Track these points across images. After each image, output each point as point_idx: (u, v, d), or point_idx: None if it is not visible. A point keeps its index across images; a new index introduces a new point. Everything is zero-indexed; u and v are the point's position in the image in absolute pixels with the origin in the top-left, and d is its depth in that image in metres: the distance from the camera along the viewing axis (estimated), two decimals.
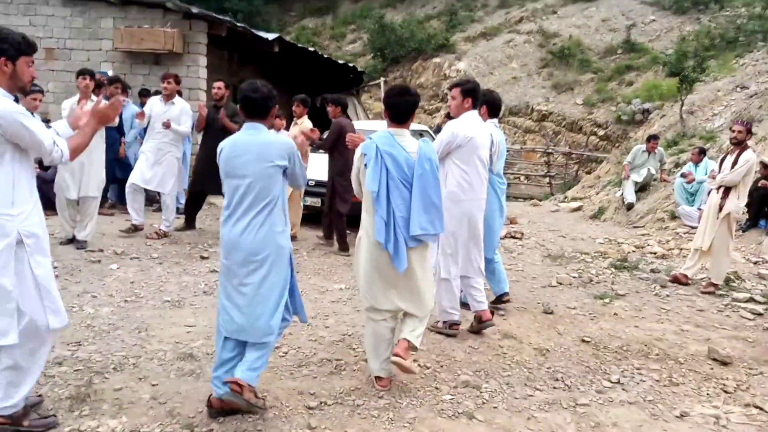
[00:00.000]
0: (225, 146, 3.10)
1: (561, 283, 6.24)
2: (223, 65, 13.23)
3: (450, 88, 4.58)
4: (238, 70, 13.88)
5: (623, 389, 3.79)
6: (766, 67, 14.49)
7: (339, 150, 6.92)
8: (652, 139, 10.82)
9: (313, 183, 7.22)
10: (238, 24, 11.29)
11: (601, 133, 17.35)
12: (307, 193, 7.85)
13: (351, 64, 17.94)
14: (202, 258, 6.37)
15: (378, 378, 3.54)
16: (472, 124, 4.26)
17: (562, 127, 18.39)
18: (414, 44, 21.08)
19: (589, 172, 15.68)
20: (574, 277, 6.47)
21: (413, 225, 3.31)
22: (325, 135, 7.36)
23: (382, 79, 20.44)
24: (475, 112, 4.36)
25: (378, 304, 3.48)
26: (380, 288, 3.46)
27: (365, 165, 3.39)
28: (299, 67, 15.39)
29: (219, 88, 7.35)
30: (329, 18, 26.45)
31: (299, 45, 14.20)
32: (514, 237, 8.41)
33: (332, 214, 7.17)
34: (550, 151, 17.03)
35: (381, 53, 21.44)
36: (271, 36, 11.85)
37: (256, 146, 3.02)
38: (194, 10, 10.11)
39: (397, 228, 3.32)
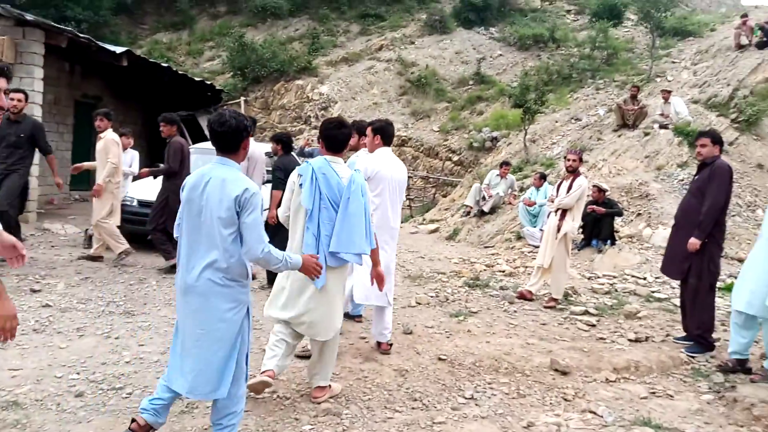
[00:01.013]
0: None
1: (420, 303, 6.42)
2: (63, 78, 12.17)
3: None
4: (80, 84, 12.84)
5: (476, 404, 3.95)
6: (595, 101, 16.32)
7: (180, 170, 6.79)
8: (504, 165, 11.68)
9: (136, 203, 7.09)
10: (81, 35, 10.46)
11: (455, 158, 18.33)
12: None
13: (209, 82, 17.36)
14: (33, 291, 5.71)
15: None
16: (380, 159, 4.67)
17: (421, 153, 19.19)
18: (276, 65, 20.91)
19: (445, 196, 16.48)
20: (431, 297, 6.70)
21: (333, 242, 3.54)
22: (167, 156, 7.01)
23: (243, 98, 20.01)
24: (387, 149, 4.78)
25: (277, 314, 3.67)
26: (287, 300, 3.64)
27: (300, 185, 3.60)
28: (152, 82, 14.58)
29: (18, 100, 6.63)
30: (185, 33, 25.43)
31: (151, 60, 13.46)
32: None
33: (158, 232, 6.90)
34: (409, 175, 17.64)
35: (241, 72, 20.99)
36: (118, 49, 11.12)
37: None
38: (28, 17, 9.21)
39: (322, 245, 3.54)
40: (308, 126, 19.11)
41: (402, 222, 14.23)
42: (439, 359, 4.73)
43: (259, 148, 7.11)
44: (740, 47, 15.71)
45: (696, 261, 5.21)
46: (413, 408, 3.83)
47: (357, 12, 25.81)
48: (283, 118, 20.67)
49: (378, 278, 3.93)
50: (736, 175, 10.97)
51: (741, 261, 8.80)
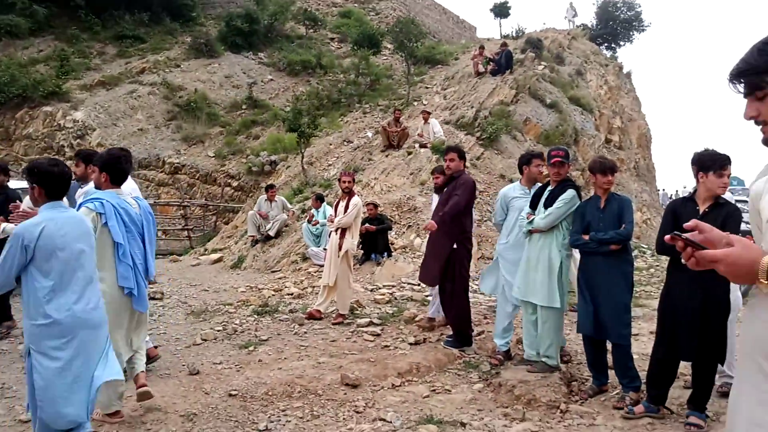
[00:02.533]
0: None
1: (206, 340, 6.13)
2: None
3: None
4: None
5: None
6: (363, 124, 17.37)
7: None
8: (270, 188, 11.71)
9: None
10: None
11: (235, 184, 18.00)
12: None
13: None
14: None
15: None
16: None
17: (197, 179, 18.45)
18: (17, 90, 18.39)
19: (227, 223, 16.05)
20: (218, 331, 6.44)
21: (151, 269, 4.09)
22: None
23: None
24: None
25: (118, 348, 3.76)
26: (118, 334, 3.86)
27: (105, 224, 3.76)
28: None
29: None
30: None
31: None
32: (153, 298, 7.94)
33: None
34: (186, 204, 16.84)
35: None
36: None
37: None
38: None
39: (139, 275, 3.93)
40: (62, 156, 17.10)
41: (181, 254, 13.52)
42: (230, 395, 4.55)
43: None
44: (478, 74, 18.11)
45: (449, 268, 5.68)
46: None
47: (112, 33, 24.00)
48: (29, 149, 18.26)
49: None
50: (484, 185, 12.59)
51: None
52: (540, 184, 5.31)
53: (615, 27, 28.85)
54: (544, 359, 4.99)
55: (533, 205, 5.12)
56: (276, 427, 4.01)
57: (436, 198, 6.58)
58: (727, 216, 3.76)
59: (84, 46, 22.93)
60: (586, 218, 4.61)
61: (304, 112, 14.35)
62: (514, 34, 27.37)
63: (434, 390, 4.82)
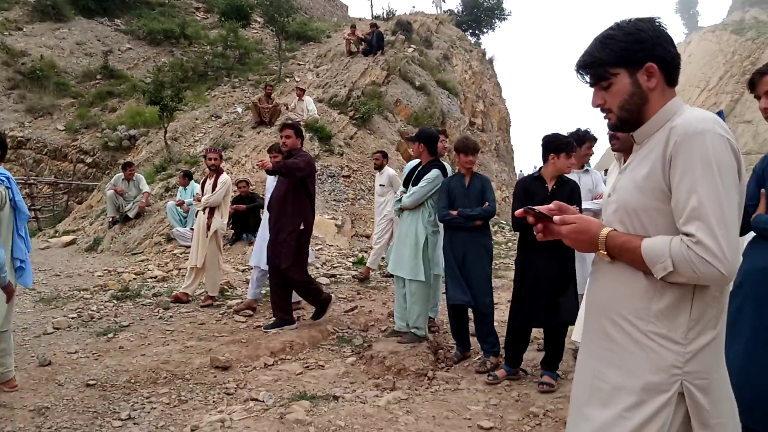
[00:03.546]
0: None
1: (58, 328, 5.64)
2: None
3: None
4: None
5: (134, 423, 3.69)
6: (233, 99, 16.74)
7: None
8: (128, 166, 10.88)
9: None
10: None
11: (89, 160, 16.58)
12: None
13: None
14: None
15: None
16: None
17: (44, 155, 16.74)
18: None
19: (80, 202, 14.78)
20: (72, 318, 5.96)
21: None
22: None
23: None
24: None
25: None
26: None
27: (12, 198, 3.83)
28: None
29: None
30: None
31: None
32: None
33: None
34: (32, 182, 15.24)
35: None
36: None
37: None
38: None
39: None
40: None
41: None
42: (88, 385, 4.24)
43: None
44: (351, 53, 18.15)
45: (285, 249, 5.49)
46: None
47: None
48: None
49: None
50: (357, 164, 12.73)
51: (368, 237, 10.27)
52: (415, 162, 5.49)
53: (479, 14, 30.16)
54: (413, 330, 5.19)
55: (405, 184, 5.28)
56: (140, 415, 3.80)
57: (272, 179, 6.29)
58: (571, 192, 4.15)
59: None
60: (451, 195, 4.82)
61: (166, 84, 13.45)
62: (384, 16, 27.66)
63: (307, 366, 4.83)
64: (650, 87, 1.58)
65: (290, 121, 6.25)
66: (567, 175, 4.29)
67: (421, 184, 5.06)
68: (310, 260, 6.17)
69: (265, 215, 6.22)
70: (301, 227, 5.58)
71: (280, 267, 5.56)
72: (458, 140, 5.03)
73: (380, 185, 8.09)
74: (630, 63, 1.58)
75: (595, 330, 1.66)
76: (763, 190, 2.43)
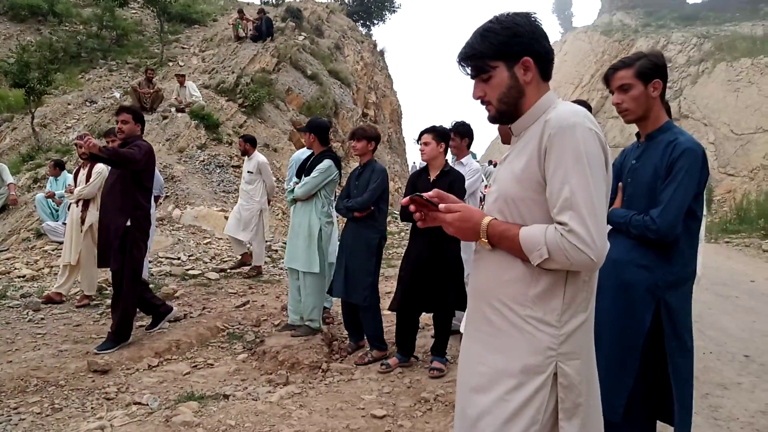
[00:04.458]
0: None
1: None
2: None
3: None
4: None
5: None
6: (109, 83, 15.63)
7: None
8: None
9: None
10: None
11: None
12: None
13: None
14: None
15: None
16: None
17: None
18: None
19: None
20: None
21: None
22: None
23: None
24: None
25: None
26: None
27: None
28: None
29: None
30: None
31: None
32: None
33: None
34: None
35: None
36: None
37: None
38: None
39: None
40: None
41: None
42: None
43: None
44: (238, 38, 17.54)
45: (123, 248, 4.82)
46: None
47: None
48: None
49: None
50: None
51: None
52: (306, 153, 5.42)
53: (369, 5, 30.30)
54: (307, 323, 5.16)
55: (298, 175, 5.21)
56: (6, 428, 3.47)
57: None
58: (452, 181, 4.21)
59: None
60: (349, 185, 4.81)
61: (33, 66, 12.27)
62: (273, 2, 27.02)
63: (195, 366, 4.66)
64: (526, 81, 1.64)
65: (127, 105, 5.46)
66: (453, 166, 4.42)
67: (314, 174, 5.02)
68: (144, 273, 5.55)
69: None
70: (128, 224, 4.81)
71: (112, 269, 4.90)
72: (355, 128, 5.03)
73: (248, 172, 7.67)
74: (508, 56, 1.62)
75: (477, 315, 1.72)
76: (620, 184, 2.62)
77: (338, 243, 5.08)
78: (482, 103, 1.71)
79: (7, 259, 8.29)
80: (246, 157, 7.86)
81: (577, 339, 1.59)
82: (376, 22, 30.94)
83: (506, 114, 1.68)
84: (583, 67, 35.27)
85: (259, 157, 7.77)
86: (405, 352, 4.56)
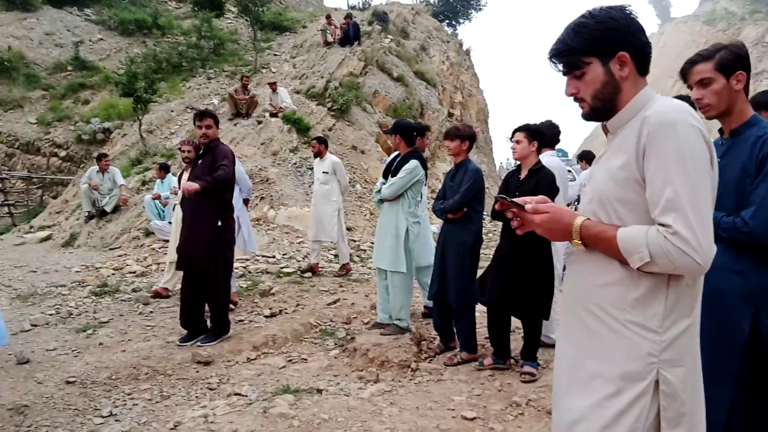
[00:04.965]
0: None
1: (36, 325, 5.56)
2: None
3: None
4: None
5: (116, 420, 3.66)
6: (208, 91, 16.53)
7: None
8: (102, 157, 10.72)
9: None
10: None
11: (62, 153, 16.27)
12: None
13: None
14: None
15: None
16: None
17: (17, 149, 16.37)
18: None
19: (55, 197, 14.51)
20: (51, 315, 5.87)
21: None
22: None
23: None
24: None
25: None
26: None
27: None
28: None
29: None
30: None
31: None
32: None
33: None
34: (4, 176, 14.92)
35: None
36: None
37: None
38: None
39: None
40: None
41: (2, 233, 12.01)
42: (68, 383, 4.19)
43: None
44: (327, 44, 18.01)
45: (214, 250, 5.03)
46: None
47: None
48: None
49: None
50: (337, 156, 12.67)
51: (349, 230, 10.27)
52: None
53: (455, 5, 30.18)
54: (396, 322, 5.22)
55: (385, 176, 5.30)
56: (122, 412, 3.78)
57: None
58: (538, 180, 4.10)
59: None
60: (444, 186, 4.81)
61: (140, 76, 13.23)
62: (360, 6, 27.52)
63: (291, 360, 4.84)
64: (622, 76, 1.58)
65: (205, 108, 5.55)
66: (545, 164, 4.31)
67: (400, 175, 5.08)
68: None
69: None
70: (219, 224, 5.05)
71: (192, 270, 5.08)
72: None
73: (323, 173, 7.72)
74: (602, 52, 1.58)
75: (572, 319, 1.68)
76: None
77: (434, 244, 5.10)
78: (575, 100, 1.67)
79: (120, 256, 8.98)
80: (318, 159, 7.88)
81: (680, 345, 1.52)
82: (461, 21, 30.77)
83: (601, 111, 1.64)
84: (683, 59, 33.26)
85: (332, 157, 7.91)
86: (501, 354, 4.47)
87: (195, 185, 4.79)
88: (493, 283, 4.22)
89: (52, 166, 16.22)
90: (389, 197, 5.14)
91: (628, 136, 1.54)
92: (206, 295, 5.14)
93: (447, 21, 29.92)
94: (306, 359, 4.87)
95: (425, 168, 5.21)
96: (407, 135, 5.22)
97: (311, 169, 11.94)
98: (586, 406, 1.57)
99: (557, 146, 5.11)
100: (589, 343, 1.61)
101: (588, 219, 1.59)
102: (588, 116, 1.68)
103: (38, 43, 19.47)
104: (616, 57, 1.57)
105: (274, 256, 8.51)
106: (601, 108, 1.63)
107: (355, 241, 9.74)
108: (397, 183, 5.08)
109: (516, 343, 4.80)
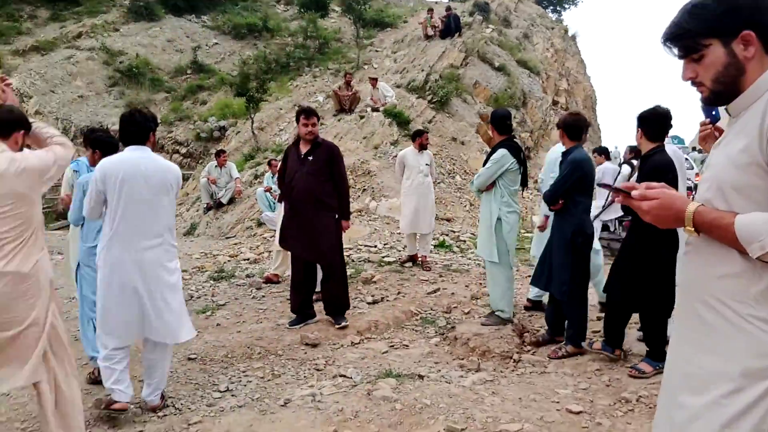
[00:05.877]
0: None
1: None
2: None
3: None
4: None
5: (232, 395, 3.93)
6: (314, 88, 17.13)
7: None
8: (220, 154, 11.50)
9: None
10: None
11: (183, 150, 17.55)
12: None
13: None
14: None
15: None
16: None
17: None
18: None
19: None
20: None
21: None
22: None
23: None
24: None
25: None
26: None
27: None
28: None
29: None
30: None
31: None
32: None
33: None
34: None
35: None
36: None
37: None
38: None
39: None
40: None
41: None
42: (189, 359, 4.56)
43: None
44: (428, 37, 18.03)
45: (338, 241, 5.30)
46: (164, 415, 3.64)
47: None
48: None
49: None
50: (436, 148, 12.68)
51: (449, 220, 10.26)
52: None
53: None
54: (497, 312, 5.17)
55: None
56: (237, 388, 4.05)
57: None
58: (652, 167, 3.88)
59: (12, 9, 21.59)
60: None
61: (251, 77, 14.02)
62: None
63: (393, 346, 4.94)
64: (747, 56, 1.44)
65: (306, 106, 5.78)
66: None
67: (488, 165, 5.04)
68: None
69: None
70: (335, 217, 5.29)
71: (322, 262, 5.34)
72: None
73: (426, 165, 7.79)
74: (724, 32, 1.45)
75: (687, 313, 1.58)
76: None
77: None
78: (693, 84, 1.55)
79: (235, 244, 9.57)
80: (418, 152, 7.78)
81: None
82: (567, 6, 29.60)
83: (723, 95, 1.51)
84: None
85: (428, 150, 8.03)
86: (611, 343, 4.28)
87: (347, 224, 5.41)
88: (615, 279, 4.07)
89: (175, 162, 17.50)
90: (478, 187, 5.14)
91: (751, 118, 1.42)
92: (326, 281, 5.37)
93: (551, 7, 28.92)
94: (407, 345, 4.95)
95: (518, 156, 5.07)
96: (498, 123, 5.15)
97: None
98: (703, 403, 1.47)
99: (671, 132, 4.77)
100: (706, 338, 1.50)
101: (702, 205, 1.48)
102: (708, 100, 1.56)
103: (161, 50, 21.11)
104: (740, 37, 1.43)
105: (375, 246, 8.69)
106: (723, 91, 1.50)
107: (454, 231, 9.72)
108: (484, 173, 5.04)
109: (627, 337, 4.59)
